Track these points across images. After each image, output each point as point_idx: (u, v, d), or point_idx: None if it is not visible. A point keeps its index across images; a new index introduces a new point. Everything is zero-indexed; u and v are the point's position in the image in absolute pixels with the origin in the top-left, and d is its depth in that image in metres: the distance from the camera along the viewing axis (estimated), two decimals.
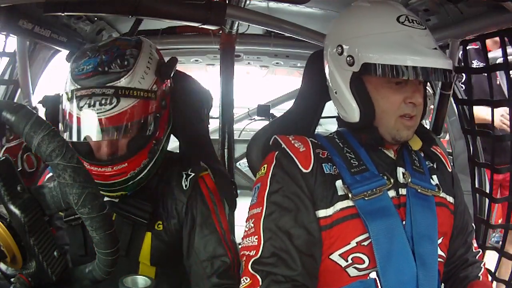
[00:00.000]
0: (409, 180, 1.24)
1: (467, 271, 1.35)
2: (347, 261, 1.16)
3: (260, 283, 1.10)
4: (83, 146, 1.27)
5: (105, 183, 1.24)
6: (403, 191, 1.23)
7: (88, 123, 1.19)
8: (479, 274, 1.35)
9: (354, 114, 1.24)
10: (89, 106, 1.18)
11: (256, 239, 1.15)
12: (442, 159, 1.41)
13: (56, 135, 0.87)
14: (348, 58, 1.20)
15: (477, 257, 1.39)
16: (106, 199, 1.33)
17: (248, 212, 1.24)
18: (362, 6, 1.30)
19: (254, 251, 1.14)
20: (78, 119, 1.20)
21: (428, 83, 2.19)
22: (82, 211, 0.88)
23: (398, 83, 1.19)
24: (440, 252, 1.24)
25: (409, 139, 1.27)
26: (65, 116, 1.23)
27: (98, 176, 1.22)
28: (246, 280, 1.13)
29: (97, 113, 1.18)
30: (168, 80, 1.38)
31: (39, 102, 1.55)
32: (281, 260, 1.13)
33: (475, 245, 1.41)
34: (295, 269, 1.12)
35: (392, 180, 1.23)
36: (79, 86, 1.20)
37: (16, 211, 0.90)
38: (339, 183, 1.20)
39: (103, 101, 1.18)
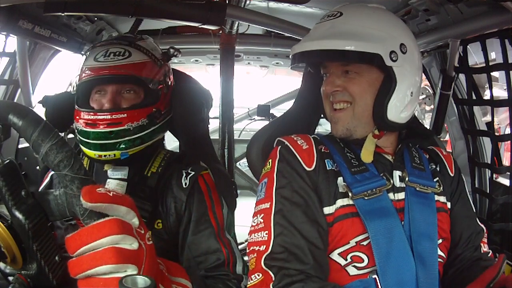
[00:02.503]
0: (407, 179, 1.24)
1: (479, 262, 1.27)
2: (346, 259, 1.16)
3: (273, 279, 1.09)
4: (86, 94, 1.35)
5: (100, 133, 1.27)
6: (399, 196, 1.23)
7: (102, 71, 1.30)
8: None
9: None
10: (104, 57, 1.31)
11: (266, 234, 1.15)
12: (445, 162, 1.39)
13: (65, 145, 0.86)
14: None
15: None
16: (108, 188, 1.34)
17: (255, 207, 1.24)
18: None
19: (264, 246, 1.14)
20: (94, 69, 1.31)
21: (428, 83, 2.20)
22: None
23: (325, 76, 1.29)
24: (440, 252, 1.23)
25: (340, 136, 1.26)
26: (81, 75, 1.33)
27: (95, 125, 1.28)
28: (258, 276, 1.12)
29: (111, 61, 1.30)
30: (171, 72, 1.52)
31: (39, 102, 1.55)
32: (293, 255, 1.12)
33: (484, 248, 1.33)
34: (307, 263, 1.12)
35: (391, 181, 1.23)
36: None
37: (20, 216, 0.89)
38: (340, 180, 1.21)
39: (117, 53, 1.32)
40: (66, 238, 0.78)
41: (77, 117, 1.32)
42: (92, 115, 1.29)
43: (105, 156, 1.29)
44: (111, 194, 0.78)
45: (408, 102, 1.24)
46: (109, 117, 1.28)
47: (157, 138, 1.41)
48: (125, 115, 1.29)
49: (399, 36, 1.21)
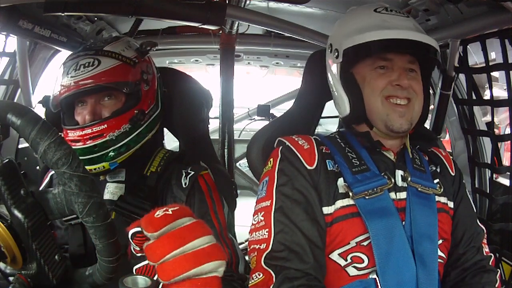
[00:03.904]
0: (409, 179, 1.24)
1: (482, 279, 1.26)
2: (346, 260, 1.16)
3: (274, 279, 1.09)
4: (69, 109, 1.34)
5: (85, 148, 1.26)
6: (401, 195, 1.23)
7: (74, 86, 1.28)
8: None
9: (345, 106, 1.30)
10: (75, 71, 1.29)
11: (266, 232, 1.15)
12: (445, 162, 1.40)
13: (63, 143, 0.86)
14: (335, 53, 1.30)
15: (490, 262, 1.32)
16: (106, 197, 1.33)
17: (256, 205, 1.24)
18: (352, 8, 1.40)
19: (265, 244, 1.14)
20: (67, 85, 1.28)
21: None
22: (87, 220, 0.88)
23: (382, 68, 1.25)
24: (440, 253, 1.24)
25: (404, 131, 1.24)
26: (60, 91, 1.30)
27: (78, 142, 1.27)
28: (259, 275, 1.12)
29: (81, 74, 1.28)
30: (152, 64, 1.47)
31: (39, 102, 1.55)
32: (294, 253, 1.12)
33: (486, 249, 1.34)
34: (308, 262, 1.12)
35: (393, 180, 1.23)
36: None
37: (19, 215, 0.89)
38: (340, 181, 1.21)
39: (86, 64, 1.30)
40: (146, 246, 0.74)
41: (65, 136, 1.31)
42: (75, 132, 1.28)
43: (95, 169, 1.29)
44: (170, 212, 0.75)
45: None
46: (90, 131, 1.27)
47: (146, 139, 1.38)
48: (106, 125, 1.27)
49: None
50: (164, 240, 0.72)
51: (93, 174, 1.31)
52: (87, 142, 1.26)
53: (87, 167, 1.27)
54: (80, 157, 1.24)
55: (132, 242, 0.77)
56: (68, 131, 1.30)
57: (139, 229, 0.75)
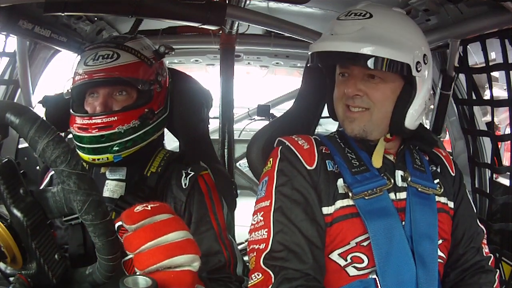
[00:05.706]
0: (409, 179, 1.24)
1: (480, 279, 1.27)
2: (346, 260, 1.16)
3: (273, 280, 1.09)
4: (80, 98, 1.36)
5: (92, 137, 1.28)
6: (401, 195, 1.23)
7: (90, 76, 1.30)
8: None
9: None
10: (93, 60, 1.31)
11: (265, 232, 1.16)
12: (446, 162, 1.39)
13: (61, 141, 0.87)
14: None
15: (489, 263, 1.32)
16: (105, 194, 1.33)
17: (255, 205, 1.24)
18: None
19: (264, 244, 1.14)
20: (84, 73, 1.31)
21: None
22: (86, 218, 0.88)
23: (343, 76, 1.25)
24: (440, 253, 1.24)
25: (356, 135, 1.23)
26: (73, 80, 1.33)
27: (85, 129, 1.28)
28: (258, 276, 1.12)
29: (99, 64, 1.30)
30: (166, 68, 1.51)
31: (39, 102, 1.55)
32: (292, 253, 1.12)
33: (486, 250, 1.34)
34: (307, 262, 1.12)
35: (392, 181, 1.23)
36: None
37: (19, 214, 0.89)
38: (340, 181, 1.21)
39: (105, 55, 1.32)
40: (124, 237, 0.79)
41: (72, 122, 1.33)
42: (84, 119, 1.29)
43: (98, 159, 1.30)
44: (149, 208, 0.81)
45: (422, 111, 1.25)
46: (100, 121, 1.28)
47: (151, 139, 1.40)
48: (116, 118, 1.29)
49: (423, 47, 1.22)
50: (140, 232, 0.77)
51: (96, 164, 1.33)
52: (94, 131, 1.28)
53: (92, 157, 1.29)
54: (86, 146, 1.28)
55: (117, 235, 0.83)
56: (77, 118, 1.31)
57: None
